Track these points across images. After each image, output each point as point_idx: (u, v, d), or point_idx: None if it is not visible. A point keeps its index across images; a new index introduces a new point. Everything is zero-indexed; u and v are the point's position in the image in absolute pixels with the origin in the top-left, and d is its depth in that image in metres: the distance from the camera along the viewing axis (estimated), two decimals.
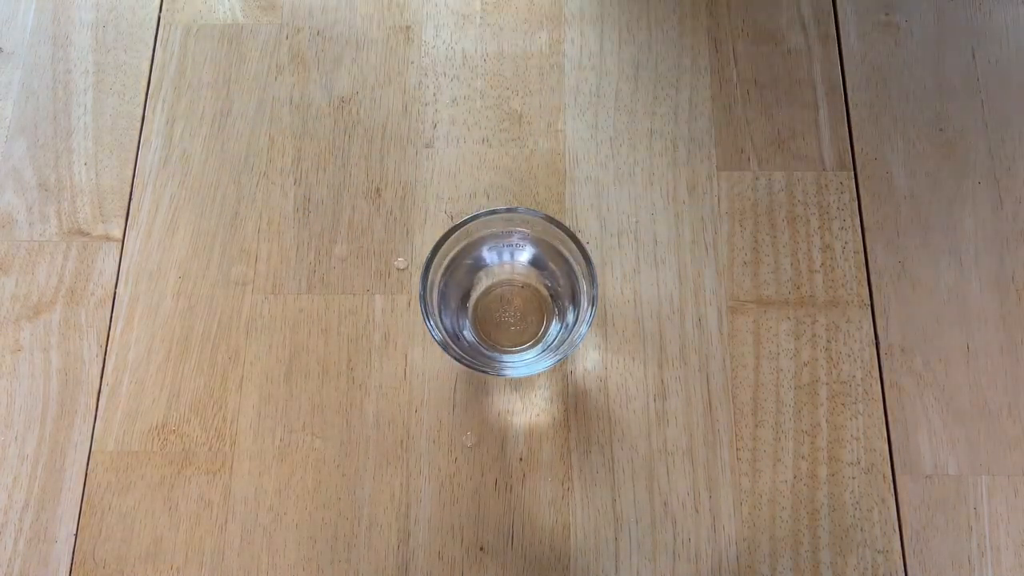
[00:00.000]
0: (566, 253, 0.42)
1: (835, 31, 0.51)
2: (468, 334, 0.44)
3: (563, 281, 0.43)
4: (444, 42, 0.52)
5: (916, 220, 0.48)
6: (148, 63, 0.52)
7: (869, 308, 0.46)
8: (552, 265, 0.44)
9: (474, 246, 0.43)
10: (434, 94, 0.51)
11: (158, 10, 0.53)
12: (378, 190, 0.49)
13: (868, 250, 0.47)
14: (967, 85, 0.50)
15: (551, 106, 0.50)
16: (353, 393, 0.45)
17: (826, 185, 0.48)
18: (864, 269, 0.47)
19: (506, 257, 0.45)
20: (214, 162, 0.49)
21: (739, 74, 0.51)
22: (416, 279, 0.47)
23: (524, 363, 0.43)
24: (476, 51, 0.51)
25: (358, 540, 0.43)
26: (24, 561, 0.42)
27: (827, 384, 0.45)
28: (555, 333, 0.44)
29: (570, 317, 0.42)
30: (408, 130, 0.50)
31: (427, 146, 0.49)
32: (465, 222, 0.40)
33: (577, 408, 0.44)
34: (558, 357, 0.40)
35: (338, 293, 0.47)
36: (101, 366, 0.45)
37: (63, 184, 0.49)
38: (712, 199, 0.48)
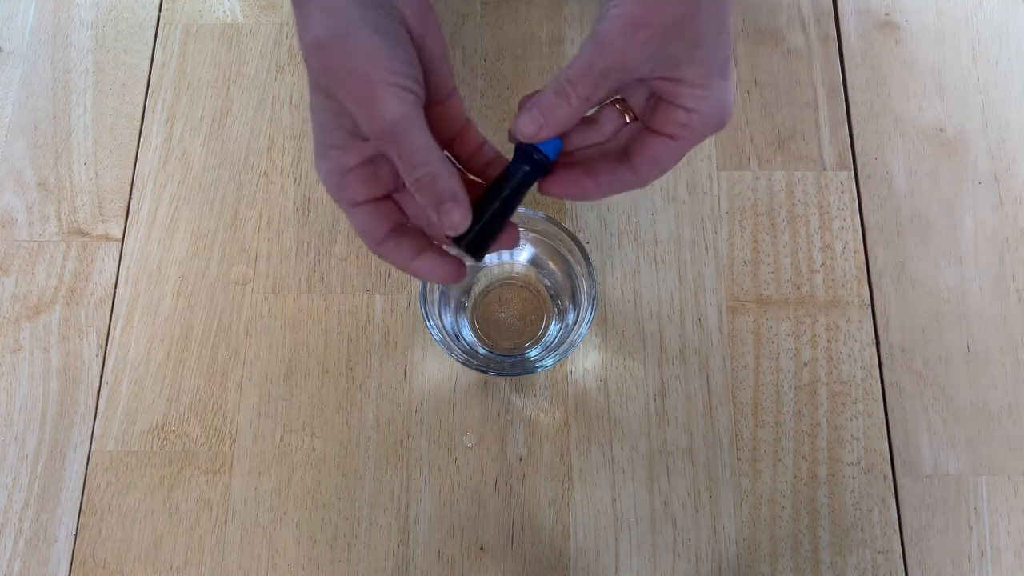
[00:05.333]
0: (566, 253, 0.42)
1: (835, 31, 0.51)
2: (467, 334, 0.44)
3: (563, 281, 0.43)
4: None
5: (916, 220, 0.48)
6: (148, 63, 0.52)
7: (869, 308, 0.46)
8: (552, 265, 0.44)
9: None
10: None
11: (158, 10, 0.53)
12: None
13: (868, 250, 0.47)
14: (967, 85, 0.50)
15: None
16: (353, 393, 0.45)
17: (826, 185, 0.48)
18: (864, 269, 0.47)
19: (506, 256, 0.44)
20: (214, 162, 0.49)
21: (739, 74, 0.51)
22: (416, 279, 0.47)
23: (524, 363, 0.43)
24: (476, 51, 0.51)
25: (358, 540, 0.43)
26: (24, 561, 0.42)
27: (827, 384, 0.45)
28: (555, 333, 0.44)
29: (570, 317, 0.42)
30: None
31: None
32: None
33: (577, 408, 0.44)
34: (558, 357, 0.40)
35: (338, 293, 0.47)
36: (101, 366, 0.45)
37: (63, 184, 0.49)
38: (712, 199, 0.48)
